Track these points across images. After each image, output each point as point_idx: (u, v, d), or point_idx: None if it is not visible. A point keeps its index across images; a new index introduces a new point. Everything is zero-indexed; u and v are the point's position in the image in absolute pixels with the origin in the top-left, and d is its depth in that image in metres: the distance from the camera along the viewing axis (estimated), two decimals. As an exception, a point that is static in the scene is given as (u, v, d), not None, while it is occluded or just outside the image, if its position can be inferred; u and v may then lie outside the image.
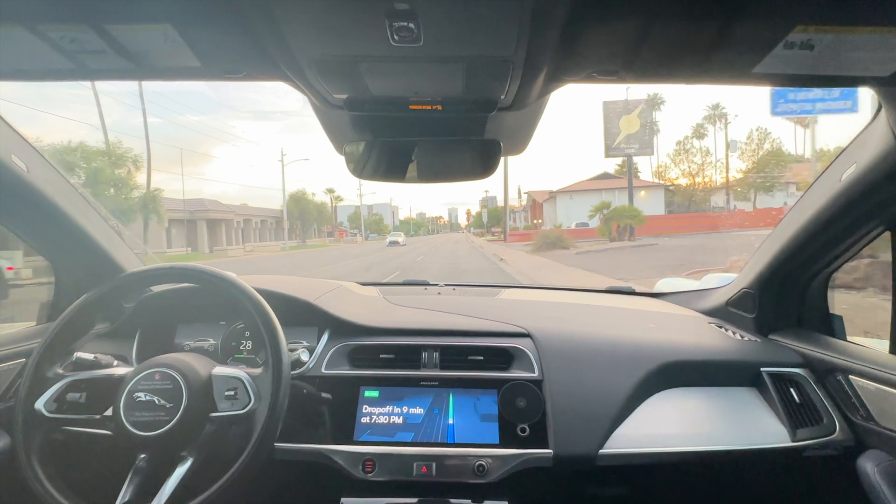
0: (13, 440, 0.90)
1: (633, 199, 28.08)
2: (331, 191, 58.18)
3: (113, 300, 1.04)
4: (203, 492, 0.85)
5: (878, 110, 0.88)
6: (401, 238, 37.15)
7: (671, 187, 44.17)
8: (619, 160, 38.47)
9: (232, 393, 0.92)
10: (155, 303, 1.31)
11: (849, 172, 0.96)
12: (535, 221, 47.17)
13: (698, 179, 45.20)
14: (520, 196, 58.48)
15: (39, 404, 0.91)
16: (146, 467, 0.89)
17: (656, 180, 45.70)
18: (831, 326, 1.25)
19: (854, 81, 0.77)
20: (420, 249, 28.26)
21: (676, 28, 0.63)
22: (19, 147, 1.03)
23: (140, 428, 0.88)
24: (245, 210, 43.17)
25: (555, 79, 0.77)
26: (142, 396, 0.90)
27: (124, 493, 0.86)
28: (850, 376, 1.06)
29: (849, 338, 1.22)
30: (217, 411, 0.92)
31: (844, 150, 0.99)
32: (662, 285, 1.90)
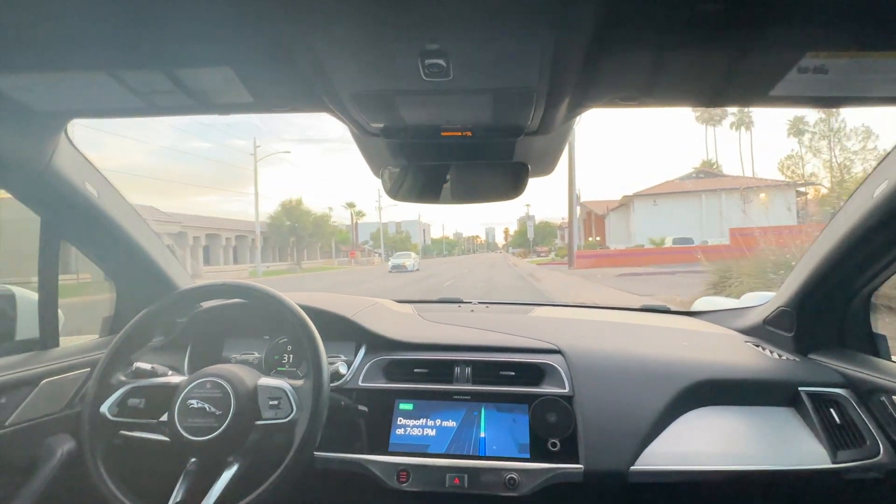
0: (81, 442, 0.98)
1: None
2: (351, 205, 52.72)
3: (170, 314, 1.14)
4: (247, 496, 0.90)
5: None
6: (410, 261, 27.48)
7: (806, 187, 28.71)
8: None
9: (276, 402, 0.99)
10: (205, 318, 1.40)
11: (881, 189, 0.95)
12: (592, 238, 37.50)
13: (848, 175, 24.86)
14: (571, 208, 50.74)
15: (104, 408, 1.00)
16: (196, 471, 0.96)
17: (782, 178, 33.81)
18: (875, 346, 1.21)
19: (873, 102, 0.78)
20: (441, 276, 20.22)
21: (691, 56, 0.67)
22: (91, 175, 1.14)
23: (192, 433, 0.95)
24: (213, 223, 32.42)
25: (578, 105, 0.81)
26: (194, 403, 0.97)
27: (176, 494, 0.93)
28: (895, 397, 1.02)
29: (894, 357, 1.18)
30: (262, 419, 0.98)
31: (877, 166, 0.98)
32: (701, 304, 1.87)
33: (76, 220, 1.18)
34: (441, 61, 0.64)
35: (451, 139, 0.92)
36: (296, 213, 35.72)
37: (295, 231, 35.81)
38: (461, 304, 1.85)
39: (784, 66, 0.67)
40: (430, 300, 1.98)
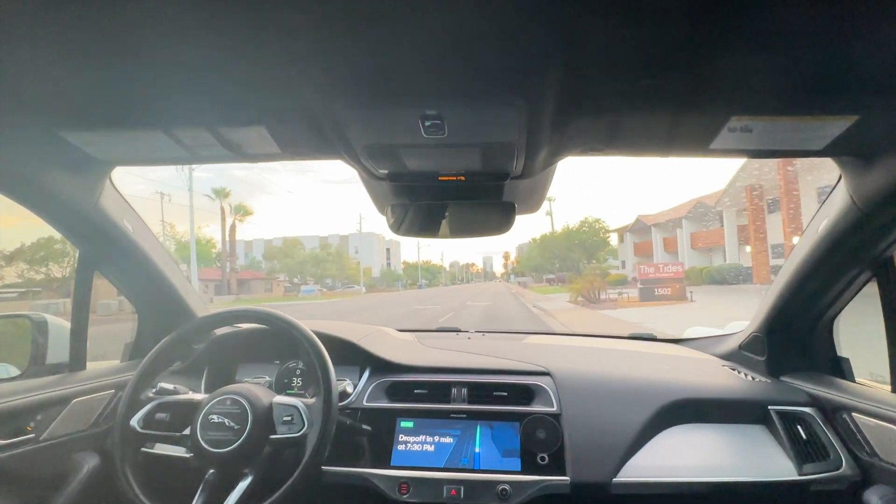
0: (111, 452, 1.08)
1: None
2: (221, 192, 35.12)
3: (195, 336, 1.25)
4: None
5: (840, 175, 1.01)
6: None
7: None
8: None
9: (289, 418, 1.08)
10: (219, 344, 1.51)
11: (823, 226, 1.08)
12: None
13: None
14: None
15: (133, 422, 1.10)
16: (214, 481, 1.05)
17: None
18: (840, 368, 1.31)
19: (796, 153, 0.92)
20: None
21: (642, 117, 0.82)
22: (128, 213, 1.28)
23: (212, 445, 1.04)
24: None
25: (554, 154, 0.95)
26: (215, 418, 1.07)
27: (196, 502, 1.02)
28: (855, 414, 1.12)
29: (857, 379, 1.27)
30: (276, 434, 1.07)
31: (822, 206, 1.11)
32: (689, 332, 1.97)
33: (111, 254, 1.31)
34: (438, 121, 0.78)
35: (448, 182, 1.06)
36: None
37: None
38: (459, 333, 1.95)
39: (716, 126, 0.82)
40: (430, 329, 2.07)
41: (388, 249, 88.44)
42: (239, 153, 0.96)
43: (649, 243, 34.61)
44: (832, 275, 1.17)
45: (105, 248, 1.28)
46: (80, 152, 0.96)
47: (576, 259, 33.13)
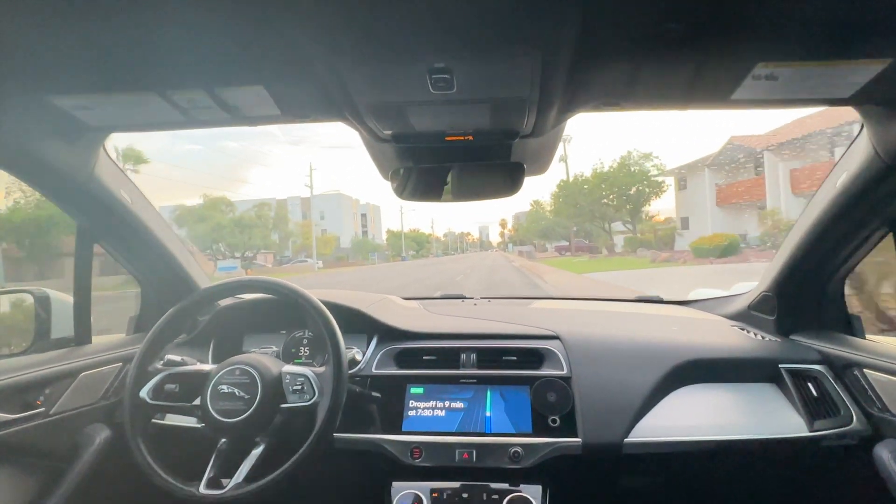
0: (122, 424, 1.08)
1: None
2: None
3: (200, 307, 1.23)
4: (274, 471, 1.00)
5: (862, 125, 0.98)
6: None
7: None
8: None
9: (299, 387, 1.08)
10: (225, 316, 1.50)
11: (841, 180, 1.05)
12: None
13: None
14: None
15: (143, 393, 1.09)
16: (227, 450, 1.05)
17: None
18: (850, 326, 1.31)
19: (822, 102, 0.89)
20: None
21: (661, 67, 0.77)
22: (125, 183, 1.24)
23: (223, 415, 1.04)
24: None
25: (566, 111, 0.91)
26: (224, 388, 1.06)
27: (209, 471, 1.03)
28: (866, 370, 1.12)
29: (868, 336, 1.27)
30: (286, 403, 1.07)
31: (839, 160, 1.08)
32: (695, 294, 1.96)
33: (110, 226, 1.27)
34: (446, 76, 0.74)
35: (455, 143, 1.02)
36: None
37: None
38: (464, 300, 1.95)
39: (740, 75, 0.78)
40: (435, 297, 2.06)
41: (363, 215, 71.83)
42: (237, 116, 0.92)
43: (751, 184, 20.70)
44: (848, 231, 1.14)
45: (104, 219, 1.25)
46: (72, 119, 0.92)
47: (611, 215, 23.26)
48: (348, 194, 67.28)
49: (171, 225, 1.45)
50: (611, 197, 22.77)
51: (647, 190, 22.26)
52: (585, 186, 25.35)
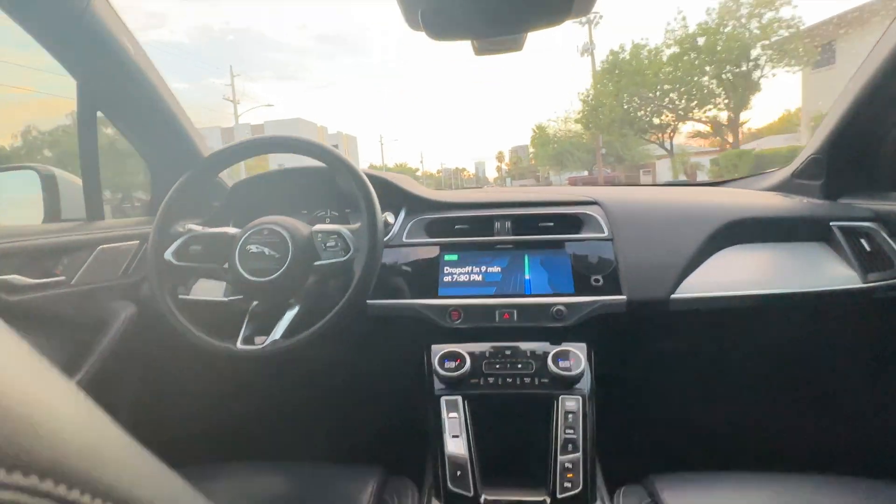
0: (152, 289, 1.02)
1: None
2: None
3: (216, 168, 1.12)
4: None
5: None
6: None
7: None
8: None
9: (333, 245, 1.03)
10: (240, 195, 1.42)
11: None
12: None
13: None
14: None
15: (168, 255, 1.03)
16: (260, 312, 1.01)
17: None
18: None
19: None
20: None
21: None
22: (123, 32, 1.11)
23: (254, 274, 0.99)
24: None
25: None
26: (253, 248, 1.01)
27: (244, 330, 0.99)
28: None
29: None
30: (320, 260, 1.02)
31: None
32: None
33: (112, 86, 1.16)
34: None
35: None
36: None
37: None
38: (492, 186, 1.87)
39: None
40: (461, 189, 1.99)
41: (335, 146, 48.66)
42: None
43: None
44: None
45: (104, 74, 1.13)
46: None
47: (694, 109, 14.43)
48: (311, 120, 53.37)
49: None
50: (703, 77, 12.42)
51: (772, 59, 12.05)
52: (650, 61, 14.92)
